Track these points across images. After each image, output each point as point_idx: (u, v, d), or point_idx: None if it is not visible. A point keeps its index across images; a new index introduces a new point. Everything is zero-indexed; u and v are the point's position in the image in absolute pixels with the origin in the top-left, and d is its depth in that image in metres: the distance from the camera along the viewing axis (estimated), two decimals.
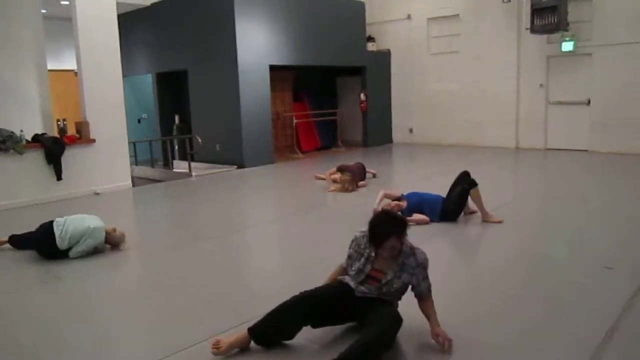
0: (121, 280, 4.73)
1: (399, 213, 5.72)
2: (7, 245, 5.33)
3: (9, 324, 3.71)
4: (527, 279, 4.18)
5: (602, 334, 3.14)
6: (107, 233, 5.16)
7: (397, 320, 3.02)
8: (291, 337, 3.10)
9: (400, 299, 3.25)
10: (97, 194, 8.23)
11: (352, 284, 3.21)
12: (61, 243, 4.90)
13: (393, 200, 6.09)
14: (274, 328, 3.05)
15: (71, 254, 4.96)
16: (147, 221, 7.02)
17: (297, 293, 3.11)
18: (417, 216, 5.74)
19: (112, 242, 5.21)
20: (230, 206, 7.61)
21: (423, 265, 3.15)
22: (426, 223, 5.67)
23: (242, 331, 3.09)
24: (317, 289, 3.17)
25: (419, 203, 5.93)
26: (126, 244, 5.28)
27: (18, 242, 5.29)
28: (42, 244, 5.00)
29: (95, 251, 5.10)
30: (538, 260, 4.66)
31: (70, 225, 4.98)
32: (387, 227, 3.08)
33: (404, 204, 5.94)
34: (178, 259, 5.06)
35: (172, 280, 4.46)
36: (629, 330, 3.23)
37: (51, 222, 5.05)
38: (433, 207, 5.86)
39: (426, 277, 3.18)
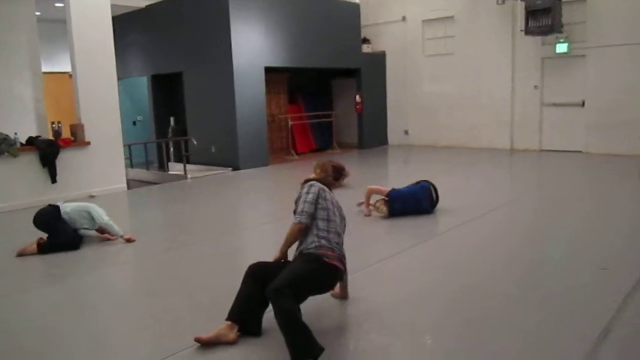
0: (118, 282, 4.73)
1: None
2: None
3: (9, 325, 3.70)
4: (522, 280, 4.20)
5: (596, 335, 3.15)
6: None
7: (277, 301, 2.95)
8: (263, 303, 3.26)
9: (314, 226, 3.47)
10: (92, 196, 8.20)
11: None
12: (63, 209, 5.39)
13: (382, 198, 6.29)
14: (244, 303, 3.28)
15: (102, 219, 5.46)
16: (142, 223, 6.99)
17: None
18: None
19: (103, 230, 5.59)
20: (226, 208, 7.60)
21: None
22: (383, 195, 6.20)
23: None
24: (265, 262, 3.50)
25: (412, 196, 6.24)
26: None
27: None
28: (45, 213, 5.38)
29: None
30: (533, 261, 4.67)
31: (72, 203, 5.61)
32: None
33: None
34: (173, 260, 5.06)
35: (168, 283, 4.45)
36: (623, 331, 3.24)
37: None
38: (424, 198, 6.26)
39: (300, 201, 3.54)
